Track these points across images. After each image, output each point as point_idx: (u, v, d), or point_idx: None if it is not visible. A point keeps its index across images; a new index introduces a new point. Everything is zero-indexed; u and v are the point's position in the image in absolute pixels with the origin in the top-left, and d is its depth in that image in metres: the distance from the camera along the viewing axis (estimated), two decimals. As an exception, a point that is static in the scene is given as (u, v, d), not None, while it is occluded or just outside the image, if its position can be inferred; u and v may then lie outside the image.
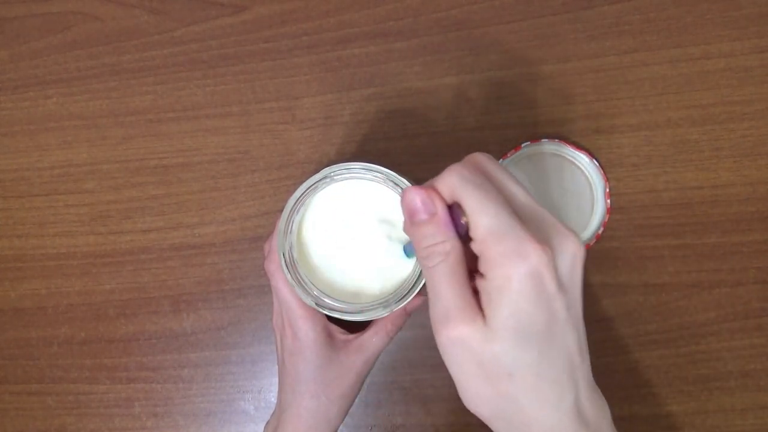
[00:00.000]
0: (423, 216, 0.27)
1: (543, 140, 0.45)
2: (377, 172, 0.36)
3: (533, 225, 0.26)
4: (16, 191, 0.51)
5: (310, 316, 0.38)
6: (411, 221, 0.28)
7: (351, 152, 0.48)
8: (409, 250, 0.36)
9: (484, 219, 0.26)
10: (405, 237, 0.38)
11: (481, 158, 0.29)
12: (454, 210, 0.27)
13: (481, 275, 0.26)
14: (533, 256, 0.25)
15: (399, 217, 0.38)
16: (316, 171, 0.37)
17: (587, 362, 0.27)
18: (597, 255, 0.46)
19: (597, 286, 0.46)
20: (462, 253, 0.27)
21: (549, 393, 0.26)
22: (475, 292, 0.27)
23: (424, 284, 0.36)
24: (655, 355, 0.46)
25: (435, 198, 0.27)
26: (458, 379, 0.27)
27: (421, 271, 0.36)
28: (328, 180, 0.37)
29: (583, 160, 0.45)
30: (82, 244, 0.50)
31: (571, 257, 0.26)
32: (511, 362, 0.26)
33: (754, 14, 0.45)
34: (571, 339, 0.26)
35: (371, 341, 0.40)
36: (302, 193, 0.37)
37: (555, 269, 0.25)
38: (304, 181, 0.37)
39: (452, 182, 0.27)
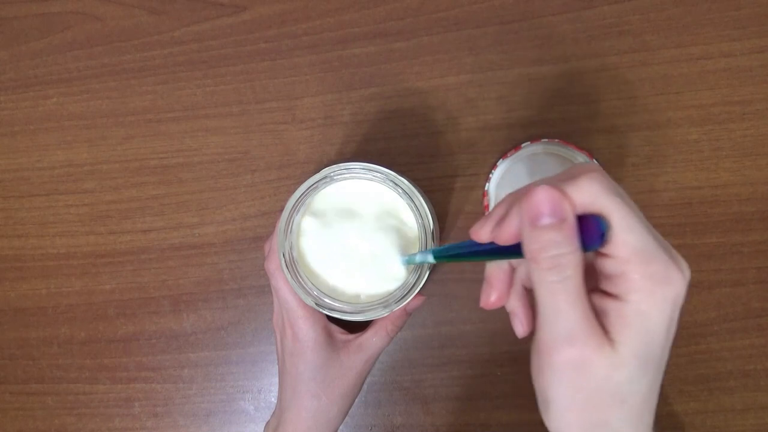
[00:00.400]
0: (550, 220, 0.24)
1: (543, 140, 0.45)
2: (377, 172, 0.36)
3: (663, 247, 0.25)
4: (16, 191, 0.51)
5: (310, 316, 0.39)
6: (533, 224, 0.24)
7: (351, 152, 0.48)
8: (410, 260, 0.35)
9: (632, 237, 0.24)
10: (405, 238, 0.38)
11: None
12: (585, 221, 0.24)
13: (612, 296, 0.25)
14: (677, 282, 0.24)
15: (399, 218, 0.38)
16: (316, 171, 0.37)
17: None
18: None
19: (597, 286, 0.46)
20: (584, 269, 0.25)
21: (648, 417, 0.26)
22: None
23: (424, 284, 0.36)
24: (655, 355, 0.46)
25: (567, 202, 0.24)
26: (558, 403, 0.26)
27: (421, 271, 0.36)
28: (328, 180, 0.37)
29: (583, 160, 0.45)
30: (82, 244, 0.50)
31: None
32: (628, 389, 0.25)
33: (754, 14, 0.45)
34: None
35: (371, 341, 0.40)
36: (302, 193, 0.37)
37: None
38: (304, 181, 0.37)
39: (595, 190, 0.24)
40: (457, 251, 0.31)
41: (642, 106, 0.46)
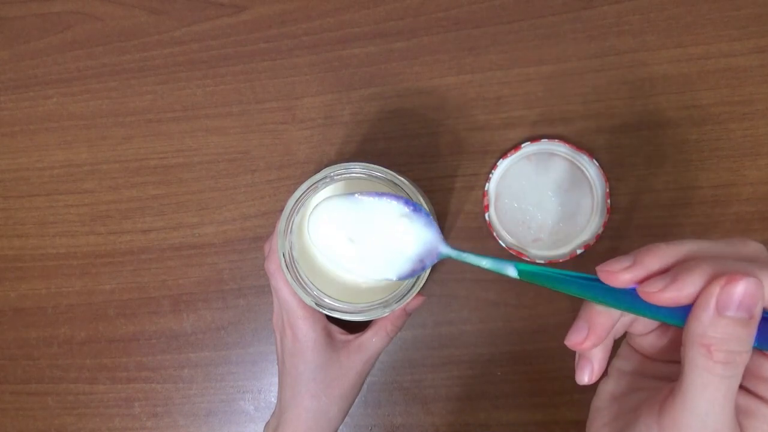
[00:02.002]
0: (741, 314, 0.22)
1: (543, 140, 0.45)
2: (377, 172, 0.36)
3: None
4: (16, 191, 0.51)
5: (310, 316, 0.39)
6: (721, 311, 0.22)
7: (351, 152, 0.48)
8: (474, 260, 0.31)
9: None
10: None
11: None
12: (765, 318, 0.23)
13: (762, 399, 0.24)
14: None
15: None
16: (316, 171, 0.37)
17: None
18: (597, 255, 0.46)
19: (597, 286, 0.46)
20: None
21: None
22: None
23: (424, 284, 0.36)
24: (655, 355, 0.45)
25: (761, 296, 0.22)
26: None
27: (421, 271, 0.36)
28: (328, 180, 0.37)
29: (583, 160, 0.45)
30: (82, 244, 0.50)
31: None
32: None
33: (754, 14, 0.45)
34: None
35: (371, 341, 0.40)
36: (302, 193, 0.37)
37: None
38: (304, 181, 0.37)
39: None
40: (562, 279, 0.27)
41: (642, 106, 0.46)
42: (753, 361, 0.24)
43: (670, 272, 0.23)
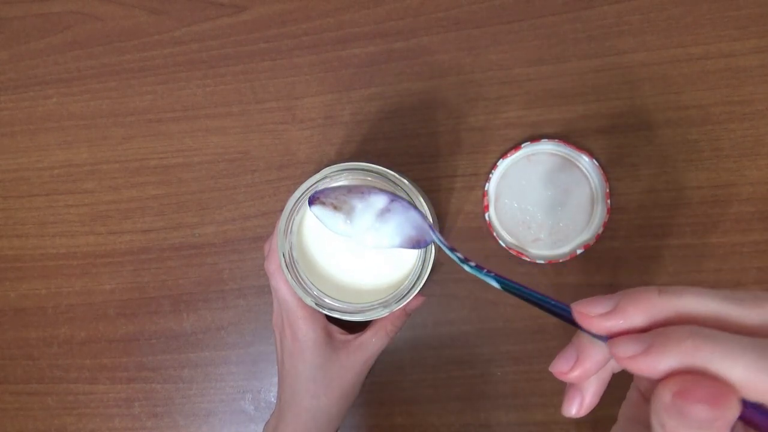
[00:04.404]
0: (705, 414, 0.18)
1: (543, 140, 0.45)
2: (377, 172, 0.36)
3: None
4: (16, 191, 0.51)
5: (309, 316, 0.39)
6: (680, 408, 0.18)
7: (351, 152, 0.48)
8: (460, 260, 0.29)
9: None
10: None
11: None
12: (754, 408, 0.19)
13: None
14: None
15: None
16: (316, 171, 0.37)
17: None
18: (597, 255, 0.46)
19: (597, 286, 0.46)
20: None
21: None
22: None
23: (424, 284, 0.36)
24: (655, 355, 0.45)
25: (735, 399, 0.18)
26: None
27: (421, 271, 0.36)
28: (328, 180, 0.37)
29: (583, 160, 0.45)
30: (82, 244, 0.50)
31: None
32: None
33: (754, 14, 0.45)
34: None
35: (371, 341, 0.40)
36: (302, 193, 0.37)
37: None
38: (304, 181, 0.37)
39: None
40: (542, 303, 0.25)
41: (642, 106, 0.46)
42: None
43: (646, 337, 0.20)
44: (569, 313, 0.22)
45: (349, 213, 0.33)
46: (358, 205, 0.33)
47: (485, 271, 0.27)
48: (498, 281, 0.26)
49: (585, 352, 0.23)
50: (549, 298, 0.24)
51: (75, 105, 0.50)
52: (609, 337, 0.21)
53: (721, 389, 0.18)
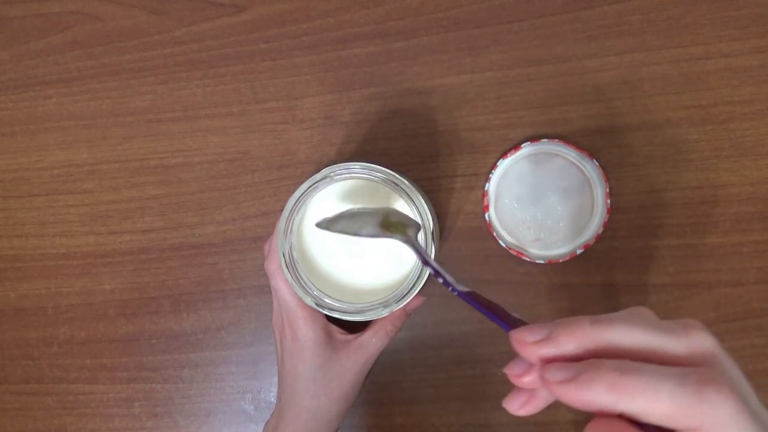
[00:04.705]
0: None
1: (543, 140, 0.45)
2: (377, 172, 0.36)
3: None
4: (16, 191, 0.51)
5: (309, 316, 0.39)
6: None
7: (351, 152, 0.48)
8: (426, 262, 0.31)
9: None
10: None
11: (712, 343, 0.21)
12: None
13: None
14: None
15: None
16: (316, 171, 0.37)
17: None
18: (597, 255, 0.46)
19: (597, 286, 0.46)
20: None
21: None
22: None
23: (424, 284, 0.36)
24: (655, 355, 0.45)
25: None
26: None
27: (421, 272, 0.36)
28: (328, 180, 0.37)
29: (583, 160, 0.45)
30: (82, 244, 0.50)
31: None
32: None
33: (754, 14, 0.45)
34: None
35: (371, 341, 0.40)
36: (302, 193, 0.37)
37: None
38: (304, 181, 0.37)
39: (724, 416, 0.19)
40: (487, 314, 0.25)
41: (642, 106, 0.46)
42: None
43: (576, 366, 0.20)
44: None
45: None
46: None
47: (457, 292, 0.28)
48: (460, 292, 0.28)
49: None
50: (498, 320, 0.24)
51: (75, 105, 0.50)
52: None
53: None
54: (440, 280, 0.30)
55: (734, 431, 0.19)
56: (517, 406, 0.24)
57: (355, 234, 0.33)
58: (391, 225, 0.33)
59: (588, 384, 0.20)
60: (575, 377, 0.20)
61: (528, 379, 0.23)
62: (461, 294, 0.27)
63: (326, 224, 0.34)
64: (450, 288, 0.28)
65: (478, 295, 0.27)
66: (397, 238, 0.33)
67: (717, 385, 0.19)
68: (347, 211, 0.35)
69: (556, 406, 0.48)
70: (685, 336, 0.21)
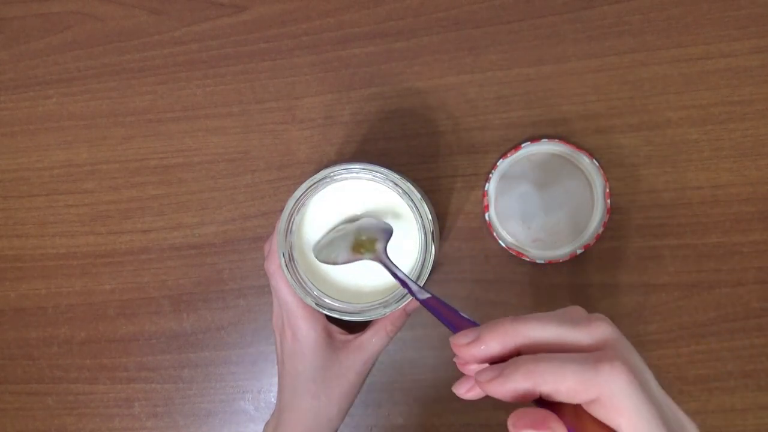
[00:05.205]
0: None
1: (543, 140, 0.45)
2: (377, 172, 0.36)
3: None
4: (16, 191, 0.51)
5: (310, 316, 0.39)
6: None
7: (351, 152, 0.48)
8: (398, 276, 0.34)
9: None
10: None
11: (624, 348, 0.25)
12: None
13: None
14: None
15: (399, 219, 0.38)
16: (316, 171, 0.37)
17: None
18: (597, 255, 0.46)
19: (597, 286, 0.46)
20: None
21: None
22: None
23: (424, 284, 0.36)
24: (655, 355, 0.46)
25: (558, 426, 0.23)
26: None
27: (421, 271, 0.36)
28: (328, 180, 0.37)
29: (583, 160, 0.45)
30: (82, 244, 0.50)
31: None
32: None
33: (754, 14, 0.45)
34: None
35: (371, 341, 0.40)
36: (302, 193, 0.37)
37: None
38: (304, 181, 0.37)
39: (615, 390, 0.23)
40: (440, 319, 0.29)
41: (642, 106, 0.46)
42: None
43: (501, 366, 0.24)
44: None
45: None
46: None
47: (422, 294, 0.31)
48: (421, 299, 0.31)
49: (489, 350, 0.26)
50: (450, 325, 0.28)
51: (75, 105, 0.50)
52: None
53: (542, 416, 0.23)
54: (406, 290, 0.32)
55: (625, 398, 0.22)
56: (464, 391, 0.28)
57: (335, 263, 0.36)
58: (362, 245, 0.36)
59: (509, 376, 0.23)
60: (500, 374, 0.24)
61: (471, 368, 0.27)
62: (421, 302, 0.31)
63: (316, 254, 0.37)
64: (413, 296, 0.31)
65: (437, 301, 0.30)
66: (366, 258, 0.35)
67: (611, 361, 0.23)
68: (326, 236, 0.38)
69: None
70: (587, 327, 0.25)
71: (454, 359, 0.27)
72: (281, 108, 0.48)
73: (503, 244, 0.45)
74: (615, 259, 0.46)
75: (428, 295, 0.31)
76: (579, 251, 0.44)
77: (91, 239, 0.50)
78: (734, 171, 0.45)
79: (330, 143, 0.48)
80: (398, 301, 0.36)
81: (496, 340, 0.25)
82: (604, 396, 0.22)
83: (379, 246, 0.35)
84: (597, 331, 0.25)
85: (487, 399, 0.47)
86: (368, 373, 0.42)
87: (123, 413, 0.50)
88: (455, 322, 0.28)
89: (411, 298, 0.36)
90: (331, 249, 0.37)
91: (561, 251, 0.45)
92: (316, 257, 0.37)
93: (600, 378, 0.22)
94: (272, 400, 0.49)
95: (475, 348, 0.25)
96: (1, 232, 0.51)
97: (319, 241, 0.38)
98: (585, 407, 0.23)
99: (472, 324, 0.27)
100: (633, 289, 0.46)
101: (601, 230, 0.44)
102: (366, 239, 0.36)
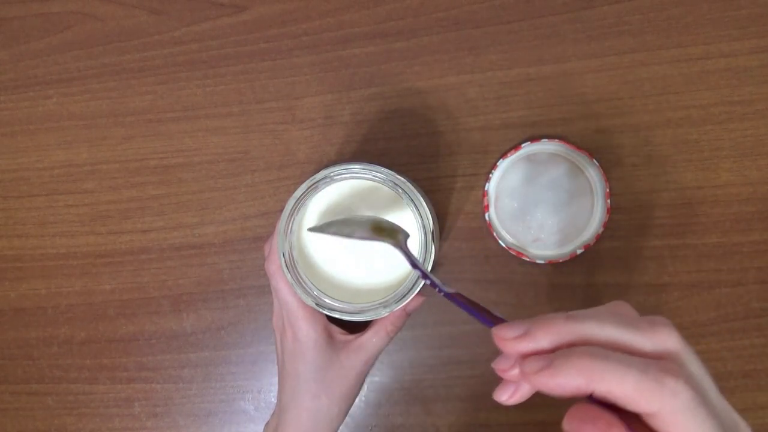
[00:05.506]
0: None
1: (543, 140, 0.45)
2: (377, 172, 0.36)
3: None
4: (16, 191, 0.51)
5: (310, 316, 0.39)
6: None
7: (351, 152, 0.48)
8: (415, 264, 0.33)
9: None
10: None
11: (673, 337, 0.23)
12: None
13: None
14: None
15: (399, 219, 0.38)
16: (316, 171, 0.37)
17: None
18: (597, 255, 0.46)
19: (597, 286, 0.46)
20: None
21: None
22: None
23: (424, 284, 0.36)
24: (655, 355, 0.46)
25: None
26: None
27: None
28: (328, 180, 0.37)
29: (583, 160, 0.45)
30: (82, 244, 0.50)
31: None
32: None
33: (754, 14, 0.45)
34: None
35: (371, 341, 0.40)
36: (302, 193, 0.37)
37: None
38: (304, 181, 0.37)
39: (679, 406, 0.21)
40: (475, 317, 0.27)
41: (642, 106, 0.46)
42: None
43: (551, 356, 0.22)
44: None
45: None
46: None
47: (443, 291, 0.30)
48: (444, 292, 0.29)
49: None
50: (484, 319, 0.27)
51: (75, 105, 0.50)
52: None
53: (606, 421, 0.21)
54: (427, 282, 0.31)
55: (688, 417, 0.21)
56: (507, 397, 0.26)
57: (348, 236, 0.35)
58: (383, 230, 0.35)
59: (560, 369, 0.22)
60: (549, 365, 0.22)
61: (514, 372, 0.25)
62: (447, 295, 0.29)
63: (319, 228, 0.36)
64: (437, 290, 0.30)
65: (464, 296, 0.29)
66: (387, 242, 0.34)
67: (676, 376, 0.21)
68: (339, 219, 0.37)
69: (555, 405, 0.48)
70: (651, 333, 0.23)
71: (494, 365, 0.26)
72: (281, 108, 0.48)
73: (503, 244, 0.45)
74: (615, 259, 0.46)
75: (452, 290, 0.29)
76: (579, 251, 0.44)
77: (91, 239, 0.50)
78: (734, 171, 0.45)
79: (330, 143, 0.48)
80: (398, 301, 0.36)
81: (547, 338, 0.23)
82: (665, 411, 0.21)
83: (400, 237, 0.35)
84: (661, 338, 0.23)
85: (487, 399, 0.47)
86: (368, 373, 0.42)
87: (123, 413, 0.50)
88: (485, 314, 0.27)
89: (411, 298, 0.36)
90: (345, 225, 0.35)
91: (561, 251, 0.45)
92: (320, 231, 0.36)
93: (664, 392, 0.21)
94: (272, 400, 0.49)
95: (523, 343, 0.24)
96: (1, 232, 0.51)
97: (321, 224, 0.37)
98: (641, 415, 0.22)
99: (501, 319, 0.26)
100: (633, 289, 0.46)
101: (601, 230, 0.44)
102: (387, 226, 0.35)
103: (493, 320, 0.26)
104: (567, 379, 0.22)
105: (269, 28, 0.49)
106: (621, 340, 0.23)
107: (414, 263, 0.33)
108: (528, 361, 0.23)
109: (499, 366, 0.26)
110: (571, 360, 0.22)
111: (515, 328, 0.24)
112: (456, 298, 0.29)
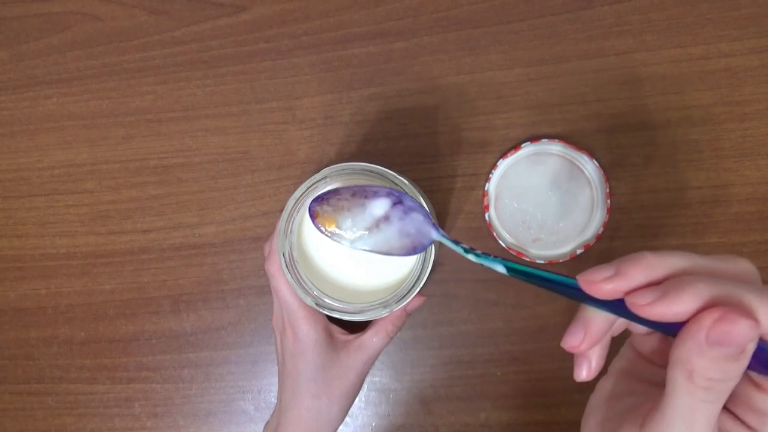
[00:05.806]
0: (732, 350, 0.20)
1: (543, 140, 0.45)
2: (377, 172, 0.36)
3: None
4: (16, 191, 0.51)
5: (310, 316, 0.39)
6: (710, 345, 0.21)
7: (351, 152, 0.48)
8: (470, 252, 0.30)
9: None
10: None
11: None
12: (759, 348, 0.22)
13: (748, 426, 0.23)
14: None
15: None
16: (316, 171, 0.37)
17: None
18: (597, 255, 0.46)
19: (597, 286, 0.46)
20: None
21: None
22: None
23: (424, 284, 0.36)
24: (655, 355, 0.46)
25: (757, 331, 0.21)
26: None
27: (421, 271, 0.36)
28: (328, 180, 0.37)
29: (583, 160, 0.45)
30: (82, 244, 0.50)
31: None
32: None
33: (754, 14, 0.45)
34: None
35: (371, 341, 0.40)
36: (302, 193, 0.37)
37: None
38: (304, 181, 0.37)
39: None
40: (551, 280, 0.26)
41: (642, 106, 0.46)
42: (743, 389, 0.23)
43: (661, 286, 0.22)
44: (576, 285, 0.24)
45: (343, 223, 0.33)
46: (354, 216, 0.33)
47: (492, 257, 0.28)
48: (505, 265, 0.28)
49: (590, 325, 0.25)
50: (556, 275, 0.25)
51: (75, 105, 0.50)
52: (611, 303, 0.23)
53: (748, 318, 0.20)
54: (475, 255, 0.29)
55: None
56: (586, 373, 0.26)
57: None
58: None
59: (677, 297, 0.21)
60: (664, 295, 0.21)
61: (585, 346, 0.25)
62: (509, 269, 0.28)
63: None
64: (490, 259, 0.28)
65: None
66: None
67: None
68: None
69: (555, 405, 0.48)
70: (733, 262, 0.23)
71: (563, 344, 0.25)
72: (281, 108, 0.48)
73: (503, 244, 0.45)
74: (615, 259, 0.46)
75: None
76: (579, 251, 0.44)
77: (91, 239, 0.50)
78: (734, 171, 0.45)
79: (330, 143, 0.48)
80: (398, 301, 0.36)
81: (640, 274, 0.22)
82: None
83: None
84: (743, 267, 0.23)
85: (487, 399, 0.47)
86: (368, 373, 0.42)
87: (123, 413, 0.50)
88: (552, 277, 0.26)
89: (411, 298, 0.36)
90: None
91: (561, 251, 0.45)
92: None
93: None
94: (272, 400, 0.49)
95: (615, 282, 0.23)
96: (1, 232, 0.51)
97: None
98: None
99: (568, 278, 0.25)
100: (633, 289, 0.46)
101: (601, 230, 0.44)
102: None
103: (562, 276, 0.25)
104: (685, 306, 0.21)
105: (269, 28, 0.49)
106: (712, 268, 0.23)
107: (455, 241, 0.31)
108: (638, 294, 0.22)
109: (569, 343, 0.25)
110: (685, 287, 0.21)
111: (603, 270, 0.23)
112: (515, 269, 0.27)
